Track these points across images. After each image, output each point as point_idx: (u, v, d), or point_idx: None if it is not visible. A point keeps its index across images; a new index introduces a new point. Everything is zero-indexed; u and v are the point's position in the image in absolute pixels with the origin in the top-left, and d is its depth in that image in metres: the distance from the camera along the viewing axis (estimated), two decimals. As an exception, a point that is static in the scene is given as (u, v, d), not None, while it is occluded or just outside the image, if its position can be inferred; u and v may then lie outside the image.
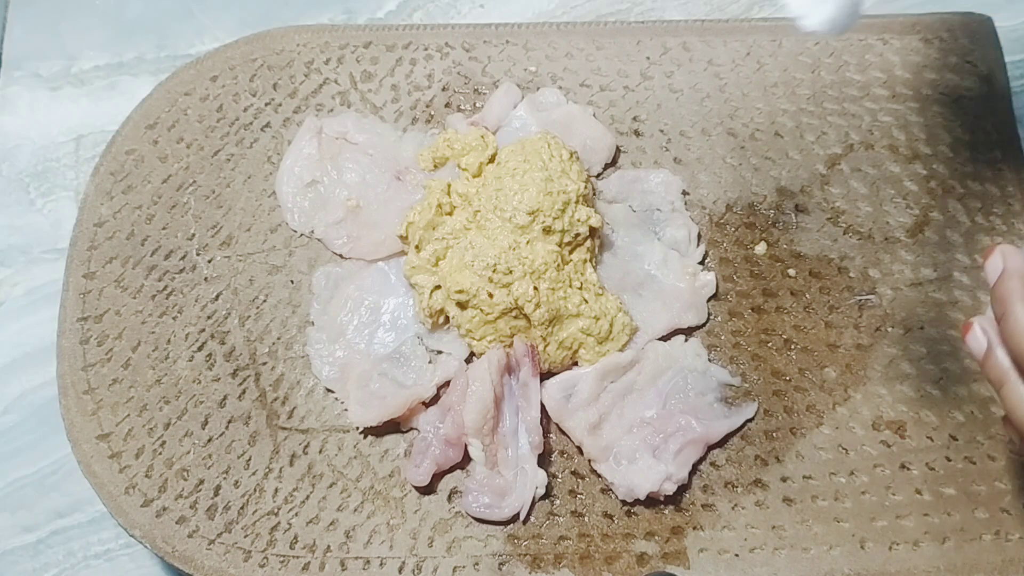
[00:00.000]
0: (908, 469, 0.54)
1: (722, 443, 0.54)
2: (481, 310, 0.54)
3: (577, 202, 0.55)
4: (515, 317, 0.54)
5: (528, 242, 0.54)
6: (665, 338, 0.56)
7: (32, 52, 0.71)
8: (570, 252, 0.55)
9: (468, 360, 0.55)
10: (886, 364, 0.56)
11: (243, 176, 0.61)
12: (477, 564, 0.52)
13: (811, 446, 0.54)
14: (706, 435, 0.53)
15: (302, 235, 0.60)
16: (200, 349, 0.57)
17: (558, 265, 0.54)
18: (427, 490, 0.53)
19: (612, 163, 0.62)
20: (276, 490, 0.53)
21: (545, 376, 0.55)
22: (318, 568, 0.52)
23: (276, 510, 0.53)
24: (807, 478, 0.53)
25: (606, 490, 0.53)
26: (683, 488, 0.53)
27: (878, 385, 0.56)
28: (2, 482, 0.59)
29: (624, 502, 0.53)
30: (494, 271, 0.53)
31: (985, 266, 0.42)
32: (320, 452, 0.54)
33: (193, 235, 0.60)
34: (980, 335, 0.42)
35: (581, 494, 0.53)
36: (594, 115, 0.62)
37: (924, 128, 0.62)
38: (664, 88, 0.64)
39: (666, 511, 0.53)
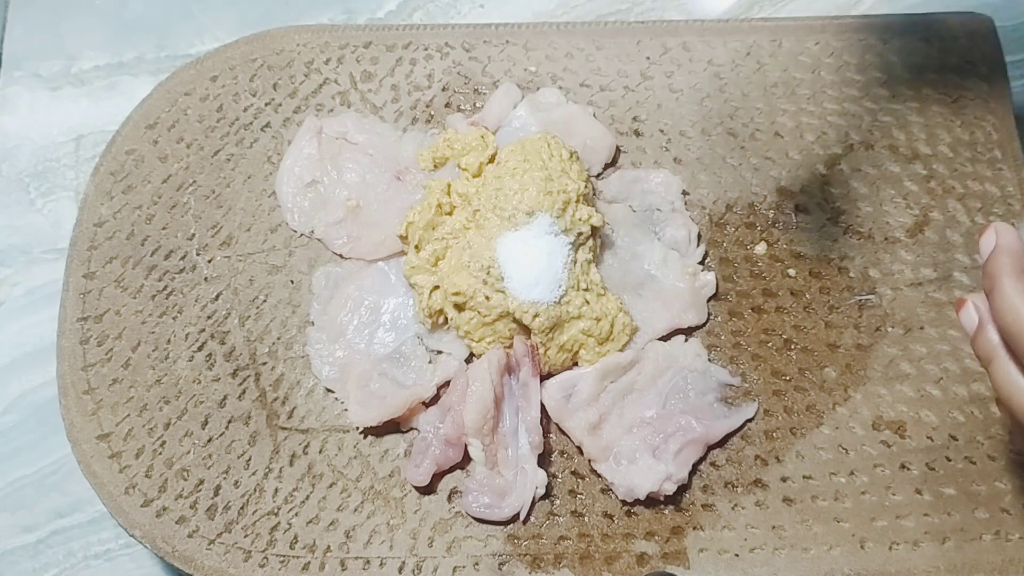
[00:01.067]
0: (908, 469, 0.54)
1: (722, 443, 0.54)
2: (479, 312, 0.53)
3: (577, 202, 0.54)
4: (514, 320, 0.53)
5: (528, 242, 0.54)
6: (665, 338, 0.56)
7: (32, 52, 0.71)
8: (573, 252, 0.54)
9: (468, 360, 0.55)
10: (886, 364, 0.56)
11: (243, 176, 0.61)
12: (477, 564, 0.52)
13: (811, 446, 0.54)
14: (706, 435, 0.53)
15: (302, 235, 0.60)
16: (200, 349, 0.57)
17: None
18: (427, 490, 0.53)
19: (612, 163, 0.61)
20: (276, 490, 0.53)
21: (545, 376, 0.55)
22: (318, 568, 0.52)
23: (276, 510, 0.53)
24: (807, 478, 0.53)
25: (606, 490, 0.53)
26: (683, 488, 0.53)
27: (878, 385, 0.56)
28: (2, 482, 0.59)
29: (624, 502, 0.53)
30: (488, 273, 0.53)
31: (980, 243, 0.42)
32: (320, 452, 0.54)
33: (193, 235, 0.60)
34: (972, 312, 0.41)
35: (581, 494, 0.53)
36: (594, 115, 0.62)
37: (924, 128, 0.62)
38: (664, 88, 0.64)
39: (666, 511, 0.53)
